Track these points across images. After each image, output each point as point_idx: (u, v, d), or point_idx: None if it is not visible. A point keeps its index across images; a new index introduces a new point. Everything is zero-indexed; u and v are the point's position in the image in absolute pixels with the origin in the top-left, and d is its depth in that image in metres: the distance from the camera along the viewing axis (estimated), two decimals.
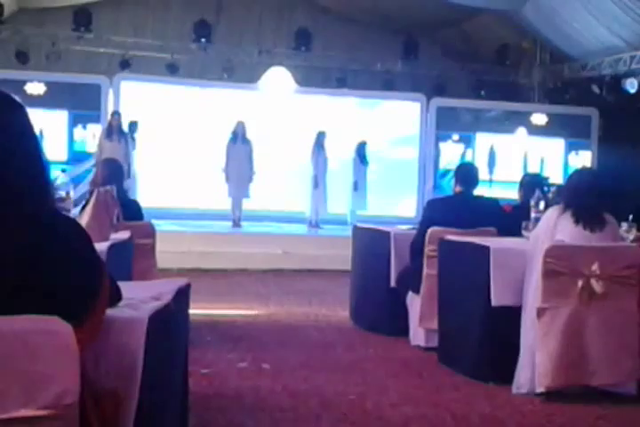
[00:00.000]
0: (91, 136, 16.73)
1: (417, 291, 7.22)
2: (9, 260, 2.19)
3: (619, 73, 16.88)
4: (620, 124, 18.02)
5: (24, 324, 2.11)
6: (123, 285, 2.76)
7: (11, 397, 2.05)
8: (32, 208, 2.31)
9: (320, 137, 16.66)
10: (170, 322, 3.07)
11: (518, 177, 8.73)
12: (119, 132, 15.24)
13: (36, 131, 2.49)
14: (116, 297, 2.65)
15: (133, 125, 16.12)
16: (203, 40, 18.57)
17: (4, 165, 2.30)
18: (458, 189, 7.52)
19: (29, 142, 2.42)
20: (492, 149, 18.93)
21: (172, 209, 16.45)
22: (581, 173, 6.68)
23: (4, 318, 2.09)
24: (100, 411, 2.32)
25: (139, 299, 2.87)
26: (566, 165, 19.04)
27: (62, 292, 2.25)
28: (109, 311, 2.48)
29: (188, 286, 3.50)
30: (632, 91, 16.59)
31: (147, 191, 15.64)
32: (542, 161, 19.01)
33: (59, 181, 5.72)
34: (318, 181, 16.61)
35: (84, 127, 16.99)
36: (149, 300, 2.92)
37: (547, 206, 6.30)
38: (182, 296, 3.34)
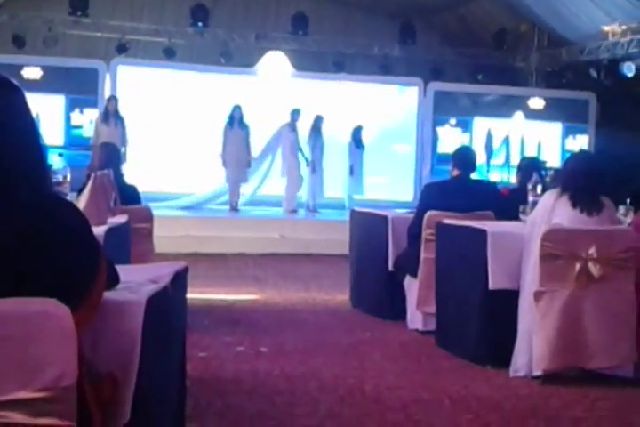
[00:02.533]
0: (88, 121, 16.70)
1: (415, 275, 7.23)
2: (7, 243, 2.19)
3: (616, 57, 16.86)
4: (618, 108, 18.00)
5: (22, 306, 2.11)
6: (120, 268, 2.76)
7: (9, 379, 2.05)
8: (30, 192, 2.31)
9: (317, 122, 16.65)
10: (167, 305, 3.07)
11: (515, 161, 8.73)
12: (115, 117, 15.21)
13: (34, 115, 2.49)
14: (113, 280, 2.65)
15: (295, 114, 16.16)
16: (200, 24, 18.54)
17: (2, 149, 2.30)
18: (455, 172, 7.52)
19: (27, 126, 2.42)
20: (489, 133, 18.91)
21: (169, 194, 16.42)
22: (578, 156, 6.68)
23: (2, 301, 2.09)
24: (97, 393, 2.32)
25: (136, 282, 2.87)
26: (563, 149, 19.03)
27: (60, 274, 2.25)
28: (107, 294, 2.49)
29: (185, 270, 3.50)
30: (629, 75, 16.57)
31: (144, 176, 15.58)
32: (539, 145, 18.99)
33: (56, 165, 5.72)
34: (315, 166, 16.61)
35: (82, 112, 16.95)
36: (147, 283, 2.92)
37: (544, 190, 6.29)
38: (180, 279, 3.34)
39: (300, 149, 16.37)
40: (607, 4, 15.36)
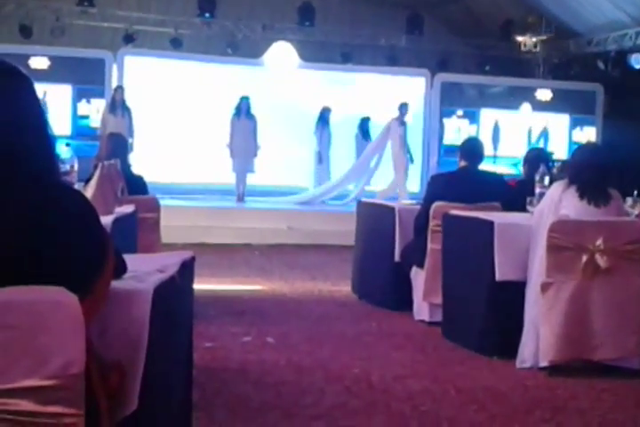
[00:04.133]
0: (95, 111, 16.71)
1: (421, 266, 7.23)
2: (16, 231, 2.20)
3: (624, 48, 16.83)
4: (625, 99, 17.97)
5: (30, 294, 2.12)
6: (128, 257, 2.76)
7: (17, 367, 2.06)
8: (38, 180, 2.31)
9: (324, 113, 16.67)
10: (175, 294, 3.07)
11: (522, 153, 8.72)
12: (122, 107, 15.20)
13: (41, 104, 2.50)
14: (121, 269, 2.66)
15: (404, 107, 16.04)
16: (207, 15, 18.51)
17: (11, 137, 2.31)
18: (462, 164, 7.51)
19: (35, 115, 2.42)
20: (496, 124, 18.89)
21: (176, 184, 16.44)
22: (586, 148, 6.68)
23: (11, 289, 2.10)
24: (105, 382, 2.33)
25: (144, 271, 2.87)
26: (571, 140, 19.01)
27: (68, 263, 2.25)
28: (115, 283, 2.49)
29: (192, 259, 3.50)
30: (637, 66, 16.54)
31: (151, 166, 15.57)
32: (547, 137, 18.98)
33: (63, 155, 5.72)
34: (322, 157, 16.64)
35: (89, 102, 16.96)
36: (154, 272, 2.92)
37: (551, 181, 6.28)
38: (187, 269, 3.34)
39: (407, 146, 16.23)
40: None
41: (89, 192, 5.54)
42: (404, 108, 15.99)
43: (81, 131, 16.77)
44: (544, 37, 18.35)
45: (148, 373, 2.55)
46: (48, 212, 2.26)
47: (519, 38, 18.54)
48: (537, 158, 7.79)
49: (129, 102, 15.39)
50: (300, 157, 17.26)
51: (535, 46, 18.47)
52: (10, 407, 2.05)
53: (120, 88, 15.54)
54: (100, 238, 2.42)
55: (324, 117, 16.71)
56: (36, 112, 2.44)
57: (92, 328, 2.29)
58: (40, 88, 2.51)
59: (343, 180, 16.40)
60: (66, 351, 2.09)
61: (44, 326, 2.08)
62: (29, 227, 2.21)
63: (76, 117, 16.97)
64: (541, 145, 18.69)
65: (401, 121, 15.91)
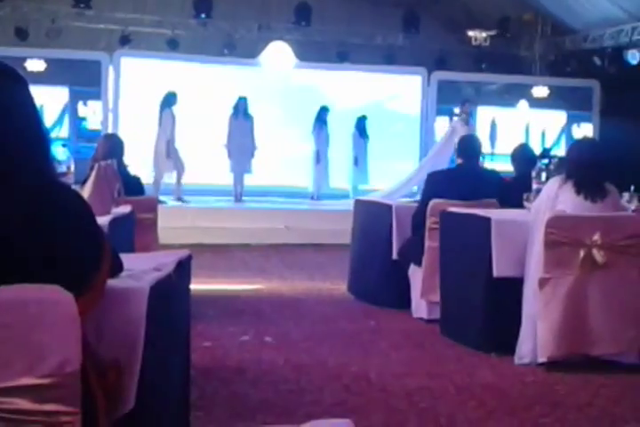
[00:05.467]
0: (92, 113, 16.71)
1: (419, 263, 7.23)
2: (11, 229, 2.20)
3: (620, 44, 16.80)
4: (622, 95, 17.94)
5: (26, 293, 2.12)
6: (124, 256, 2.77)
7: (12, 365, 2.06)
8: (33, 179, 2.32)
9: (322, 112, 16.65)
10: (171, 292, 3.08)
11: None
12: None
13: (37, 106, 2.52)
14: (117, 268, 2.66)
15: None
16: (203, 15, 18.48)
17: (6, 137, 2.31)
18: (459, 161, 7.53)
19: (30, 115, 2.43)
20: (493, 122, 18.88)
21: (173, 185, 16.40)
22: (582, 143, 6.68)
23: (6, 287, 2.10)
24: (102, 380, 2.33)
25: (140, 269, 2.88)
26: (568, 136, 19.01)
27: (64, 261, 2.26)
28: (111, 282, 2.49)
29: (189, 258, 3.51)
30: (634, 62, 16.52)
31: (148, 167, 15.56)
32: (544, 134, 18.98)
33: (60, 157, 5.73)
34: (320, 156, 16.62)
35: (85, 104, 16.95)
36: (151, 271, 2.93)
37: (548, 177, 6.30)
38: (183, 268, 3.35)
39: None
40: None
41: (85, 193, 5.55)
42: (465, 104, 15.71)
43: (78, 133, 16.75)
44: (493, 33, 18.54)
45: (145, 371, 2.56)
46: (44, 210, 2.27)
47: (470, 33, 18.61)
48: (522, 155, 7.91)
49: (127, 104, 15.37)
50: (298, 157, 17.23)
51: (485, 40, 18.54)
52: (6, 406, 2.05)
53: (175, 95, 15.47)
54: (96, 237, 2.43)
55: (321, 117, 16.69)
56: (32, 113, 2.45)
57: (88, 327, 2.29)
58: (36, 90, 2.51)
59: (405, 183, 16.17)
60: (62, 350, 2.09)
61: (40, 324, 2.08)
62: (25, 225, 2.21)
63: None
64: (563, 142, 18.75)
65: (465, 121, 15.64)
